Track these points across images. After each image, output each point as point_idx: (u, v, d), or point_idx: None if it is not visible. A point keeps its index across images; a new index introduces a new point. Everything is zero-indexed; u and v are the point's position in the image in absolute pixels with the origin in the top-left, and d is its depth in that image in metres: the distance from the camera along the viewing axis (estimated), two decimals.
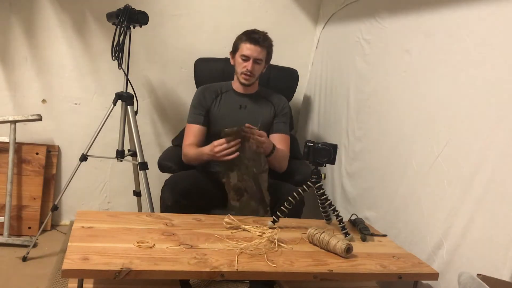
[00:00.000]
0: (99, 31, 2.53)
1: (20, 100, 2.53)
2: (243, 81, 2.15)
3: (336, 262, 1.58)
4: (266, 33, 2.16)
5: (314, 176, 1.79)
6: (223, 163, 1.98)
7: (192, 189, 1.96)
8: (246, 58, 2.11)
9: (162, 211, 1.94)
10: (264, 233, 1.70)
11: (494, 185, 1.48)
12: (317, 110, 2.74)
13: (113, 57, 2.09)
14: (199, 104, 2.21)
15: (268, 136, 2.21)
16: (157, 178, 2.67)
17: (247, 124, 1.97)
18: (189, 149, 2.13)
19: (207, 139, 2.17)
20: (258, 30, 2.15)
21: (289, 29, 2.81)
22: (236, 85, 2.22)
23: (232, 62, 2.20)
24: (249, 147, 1.97)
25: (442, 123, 1.73)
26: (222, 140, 1.93)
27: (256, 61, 2.11)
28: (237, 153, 1.93)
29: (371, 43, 2.24)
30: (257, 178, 1.99)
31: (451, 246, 1.63)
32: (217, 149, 1.94)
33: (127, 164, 2.52)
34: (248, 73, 2.12)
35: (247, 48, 2.09)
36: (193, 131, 2.18)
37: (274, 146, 2.09)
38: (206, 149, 2.02)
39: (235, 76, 2.21)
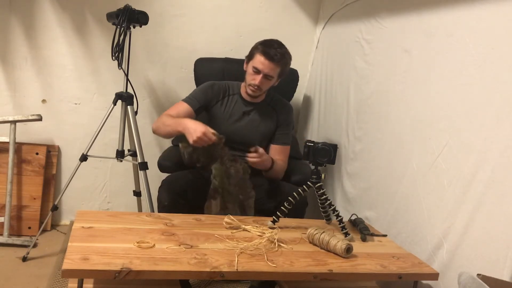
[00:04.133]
0: (99, 31, 2.53)
1: (20, 100, 2.53)
2: (249, 92, 2.10)
3: (336, 262, 1.58)
4: (286, 50, 2.05)
5: (314, 176, 1.79)
6: (194, 153, 1.91)
7: (188, 188, 1.96)
8: (257, 71, 2.02)
9: (159, 211, 1.94)
10: (264, 233, 1.70)
11: (494, 185, 1.48)
12: (317, 110, 2.74)
13: (113, 57, 2.09)
14: (203, 94, 2.15)
15: (268, 145, 2.20)
16: (157, 178, 2.66)
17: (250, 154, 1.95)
18: (166, 117, 2.04)
19: None
20: (278, 44, 2.05)
21: (289, 29, 2.81)
22: (243, 91, 2.16)
23: (245, 67, 2.12)
24: (235, 173, 1.90)
25: (442, 123, 1.73)
26: (212, 137, 1.85)
27: (266, 76, 2.03)
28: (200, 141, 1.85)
29: (371, 43, 2.24)
30: (243, 205, 1.94)
31: (451, 246, 1.63)
32: (203, 137, 1.82)
33: (127, 164, 2.53)
34: (256, 87, 2.05)
35: (260, 62, 2.00)
36: (182, 109, 2.09)
37: (273, 161, 2.08)
38: (191, 122, 1.89)
39: (244, 82, 2.15)
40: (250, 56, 2.08)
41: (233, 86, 2.21)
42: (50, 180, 2.60)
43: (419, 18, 1.91)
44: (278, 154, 2.17)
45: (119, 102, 2.20)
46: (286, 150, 2.22)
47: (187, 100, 2.14)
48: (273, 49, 2.01)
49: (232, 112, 2.16)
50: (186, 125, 1.89)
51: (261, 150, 1.99)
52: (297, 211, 1.94)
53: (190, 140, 1.85)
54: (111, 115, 2.22)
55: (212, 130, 1.88)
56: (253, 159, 1.97)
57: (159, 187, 1.98)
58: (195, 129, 1.84)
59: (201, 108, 2.14)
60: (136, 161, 2.22)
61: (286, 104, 2.27)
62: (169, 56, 2.68)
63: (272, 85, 2.12)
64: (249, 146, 2.01)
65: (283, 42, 2.86)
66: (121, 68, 2.11)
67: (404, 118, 1.96)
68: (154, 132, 2.12)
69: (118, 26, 2.05)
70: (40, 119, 2.41)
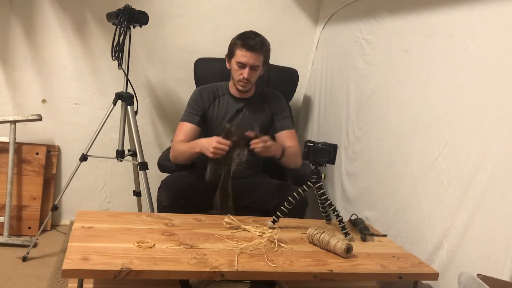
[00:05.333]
0: (99, 31, 2.53)
1: (20, 100, 2.53)
2: (240, 88, 2.09)
3: (336, 262, 1.58)
4: (263, 37, 2.05)
5: (314, 176, 1.79)
6: (216, 166, 1.90)
7: (187, 189, 1.95)
8: (242, 65, 2.02)
9: (158, 211, 1.94)
10: (264, 233, 1.70)
11: (494, 185, 1.48)
12: (317, 110, 2.74)
13: (113, 57, 2.10)
14: (195, 104, 2.15)
15: (272, 137, 2.19)
16: (157, 178, 2.65)
17: (248, 133, 1.89)
18: (179, 144, 2.07)
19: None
20: (254, 34, 2.05)
21: (289, 29, 2.81)
22: (233, 89, 2.16)
23: (228, 66, 2.12)
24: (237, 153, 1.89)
25: (442, 123, 1.73)
26: (227, 142, 1.85)
27: (252, 67, 2.02)
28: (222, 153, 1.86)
29: (371, 43, 2.24)
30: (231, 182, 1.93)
31: (451, 246, 1.63)
32: (218, 145, 1.83)
33: (127, 164, 2.52)
34: (245, 81, 2.05)
35: (243, 55, 2.00)
36: (186, 130, 2.11)
37: (283, 148, 2.03)
38: (204, 140, 1.93)
39: (231, 80, 2.15)
40: (230, 54, 2.08)
41: (221, 86, 2.21)
42: (50, 180, 2.60)
43: (419, 18, 1.91)
44: (286, 140, 2.14)
45: (119, 102, 2.20)
46: (292, 134, 2.19)
47: (186, 118, 2.13)
48: (251, 40, 2.01)
49: (226, 112, 2.16)
50: (201, 144, 1.93)
51: (265, 137, 1.92)
52: (298, 211, 1.94)
53: (209, 154, 1.86)
54: (111, 115, 2.22)
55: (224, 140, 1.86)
56: (257, 146, 1.88)
57: (158, 188, 1.98)
58: (209, 142, 1.87)
59: (202, 118, 2.14)
60: (136, 161, 2.22)
61: (276, 94, 2.26)
62: (169, 56, 2.68)
63: (259, 75, 2.11)
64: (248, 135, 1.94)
65: (283, 42, 2.87)
66: (121, 68, 2.11)
67: (404, 118, 1.96)
68: (174, 162, 2.12)
69: (118, 26, 2.05)
70: (40, 119, 2.41)
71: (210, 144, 1.86)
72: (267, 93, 2.24)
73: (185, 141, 2.09)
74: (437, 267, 1.67)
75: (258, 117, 2.18)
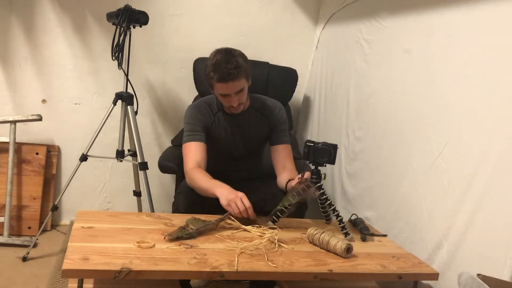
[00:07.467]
0: (99, 31, 2.53)
1: (20, 100, 2.53)
2: (233, 111, 1.99)
3: (336, 262, 1.58)
4: (235, 59, 1.84)
5: (314, 176, 1.79)
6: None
7: (206, 197, 1.91)
8: (226, 95, 1.90)
9: (173, 213, 1.91)
10: (265, 233, 1.70)
11: (494, 185, 1.48)
12: (317, 110, 2.74)
13: (113, 57, 2.10)
14: (196, 121, 2.00)
15: (265, 148, 2.12)
16: (157, 178, 2.67)
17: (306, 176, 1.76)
18: (196, 174, 1.88)
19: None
20: (225, 61, 1.83)
21: (289, 29, 2.81)
22: (226, 108, 2.03)
23: (212, 92, 1.97)
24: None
25: (442, 123, 1.73)
26: (248, 204, 1.73)
27: (237, 93, 1.89)
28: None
29: (371, 43, 2.24)
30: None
31: (451, 246, 1.63)
32: (238, 203, 1.71)
33: (127, 164, 2.53)
34: (236, 105, 1.92)
35: (222, 88, 1.86)
36: (195, 151, 1.94)
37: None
38: (226, 189, 1.78)
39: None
40: (210, 86, 1.93)
41: (214, 103, 2.06)
42: (50, 180, 2.60)
43: (419, 18, 1.91)
44: (282, 155, 2.07)
45: (119, 102, 2.20)
46: (289, 150, 2.11)
47: (190, 138, 1.97)
48: (224, 70, 1.82)
49: (224, 128, 2.06)
50: (221, 190, 1.78)
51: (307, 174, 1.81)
52: (297, 213, 1.92)
53: (224, 204, 1.74)
54: (111, 115, 2.22)
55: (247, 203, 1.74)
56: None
57: (176, 194, 1.94)
58: (230, 196, 1.74)
59: (206, 135, 2.01)
60: (136, 161, 2.22)
61: (274, 106, 2.11)
62: (169, 56, 2.68)
63: (247, 90, 1.97)
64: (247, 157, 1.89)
65: (283, 42, 2.84)
66: (121, 68, 2.11)
67: (404, 118, 1.96)
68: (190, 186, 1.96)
69: (118, 26, 2.05)
70: (40, 119, 2.41)
71: (230, 197, 1.73)
72: (265, 105, 2.11)
73: (198, 164, 1.92)
74: (437, 267, 1.67)
75: (256, 130, 2.10)
